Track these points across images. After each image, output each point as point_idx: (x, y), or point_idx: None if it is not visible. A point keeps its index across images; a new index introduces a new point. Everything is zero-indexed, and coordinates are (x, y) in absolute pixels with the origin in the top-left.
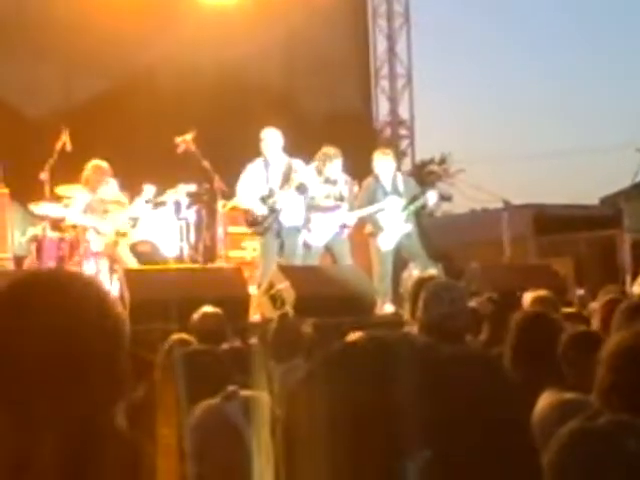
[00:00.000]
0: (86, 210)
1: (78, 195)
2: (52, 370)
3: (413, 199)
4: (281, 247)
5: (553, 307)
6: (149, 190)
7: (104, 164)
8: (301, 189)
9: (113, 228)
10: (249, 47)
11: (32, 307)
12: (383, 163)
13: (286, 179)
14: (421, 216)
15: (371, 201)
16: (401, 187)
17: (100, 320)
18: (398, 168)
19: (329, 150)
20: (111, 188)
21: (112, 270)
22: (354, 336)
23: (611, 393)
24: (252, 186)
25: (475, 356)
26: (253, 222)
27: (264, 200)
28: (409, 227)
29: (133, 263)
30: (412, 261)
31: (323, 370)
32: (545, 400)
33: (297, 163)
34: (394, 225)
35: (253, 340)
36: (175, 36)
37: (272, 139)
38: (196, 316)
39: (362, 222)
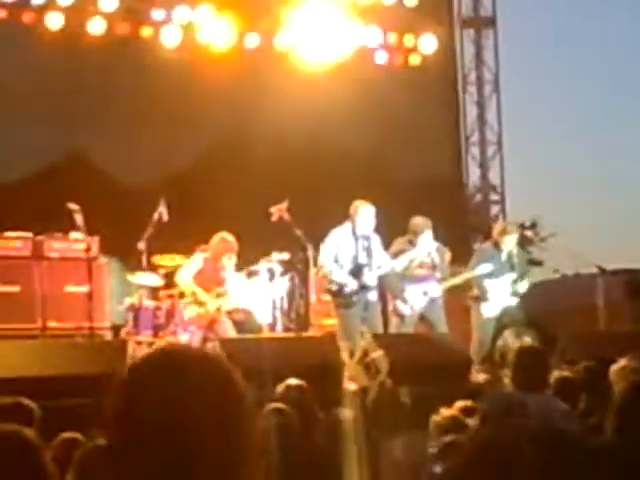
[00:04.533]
0: (197, 276)
1: (195, 259)
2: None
3: (522, 275)
4: (362, 320)
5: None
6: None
7: (231, 238)
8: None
9: (214, 303)
10: (341, 116)
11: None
12: (507, 238)
13: (373, 256)
14: None
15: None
16: (515, 260)
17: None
18: (518, 243)
19: (419, 221)
20: (229, 266)
21: (205, 339)
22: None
23: None
24: (338, 254)
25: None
26: (338, 294)
27: (356, 276)
28: (514, 300)
29: (232, 332)
30: (510, 328)
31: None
32: None
33: (378, 241)
34: (501, 295)
35: (345, 410)
36: (269, 104)
37: (365, 216)
38: (280, 388)
39: (467, 286)
